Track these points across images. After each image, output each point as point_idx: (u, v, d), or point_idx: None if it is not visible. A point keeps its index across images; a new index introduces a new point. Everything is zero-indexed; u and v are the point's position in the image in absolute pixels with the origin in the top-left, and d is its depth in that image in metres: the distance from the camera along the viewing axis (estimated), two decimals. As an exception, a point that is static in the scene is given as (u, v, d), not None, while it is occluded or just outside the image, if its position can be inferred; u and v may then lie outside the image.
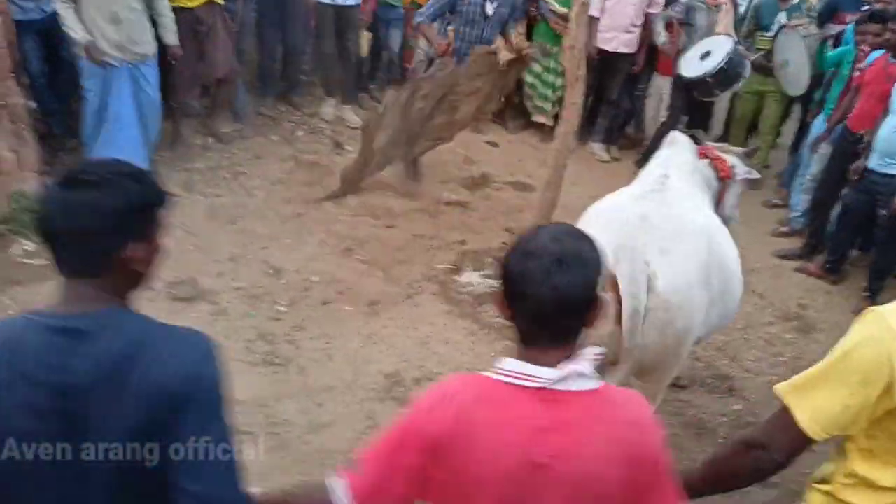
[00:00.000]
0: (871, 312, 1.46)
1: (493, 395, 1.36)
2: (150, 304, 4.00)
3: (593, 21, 5.79)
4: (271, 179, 5.31)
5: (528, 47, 5.55)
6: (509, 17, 5.32)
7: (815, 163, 5.39)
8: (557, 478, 1.33)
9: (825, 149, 5.27)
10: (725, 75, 5.51)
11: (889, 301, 1.51)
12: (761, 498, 3.02)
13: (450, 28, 5.28)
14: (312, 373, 3.67)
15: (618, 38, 6.10)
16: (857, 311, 4.68)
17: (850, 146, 4.87)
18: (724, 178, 3.42)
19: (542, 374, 1.34)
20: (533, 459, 1.32)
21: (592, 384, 1.37)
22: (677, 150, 3.34)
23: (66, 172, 1.36)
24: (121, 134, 4.74)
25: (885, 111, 4.60)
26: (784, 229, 5.66)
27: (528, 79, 6.62)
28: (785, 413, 1.49)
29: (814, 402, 1.45)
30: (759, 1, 6.05)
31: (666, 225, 2.69)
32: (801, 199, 5.60)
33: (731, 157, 3.52)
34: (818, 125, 5.48)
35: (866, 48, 4.98)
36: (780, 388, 1.53)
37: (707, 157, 3.42)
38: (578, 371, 1.34)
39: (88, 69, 4.62)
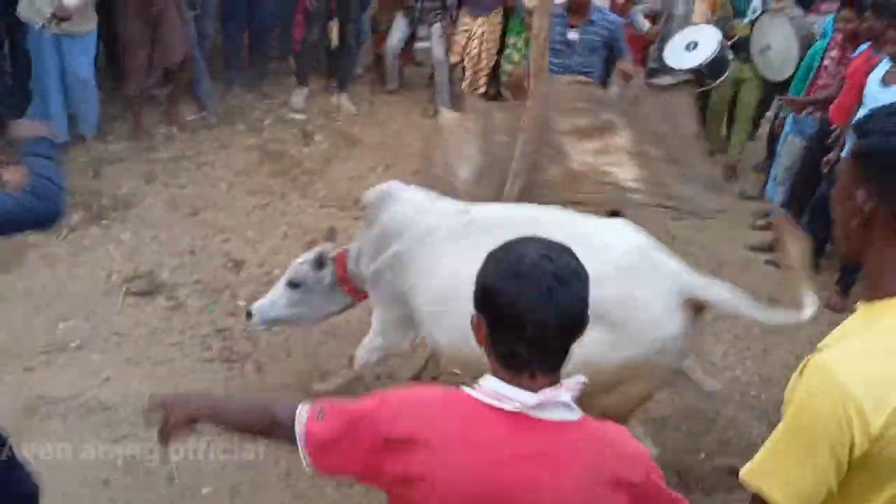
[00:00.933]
0: (811, 364, 1.30)
1: (467, 412, 1.29)
2: (106, 297, 3.93)
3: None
4: (236, 170, 5.20)
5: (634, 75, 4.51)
6: (604, 46, 4.50)
7: (785, 155, 5.34)
8: None
9: (795, 140, 5.21)
10: (717, 64, 5.47)
11: (859, 295, 1.40)
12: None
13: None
14: (269, 369, 3.59)
15: None
16: (829, 306, 4.66)
17: (826, 136, 4.83)
18: None
19: (520, 398, 1.26)
20: (501, 488, 1.25)
21: (573, 415, 1.29)
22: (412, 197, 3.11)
23: None
24: (44, 104, 4.76)
25: (860, 103, 4.55)
26: (761, 223, 5.60)
27: (506, 67, 6.53)
28: (759, 501, 1.32)
29: (786, 480, 1.28)
30: None
31: None
32: (776, 192, 5.55)
33: None
34: (791, 118, 5.42)
35: (839, 36, 4.92)
36: (745, 474, 1.35)
37: None
38: (559, 400, 1.27)
39: (31, 37, 4.64)
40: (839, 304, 4.49)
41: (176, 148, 5.27)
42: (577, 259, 1.30)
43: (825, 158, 4.69)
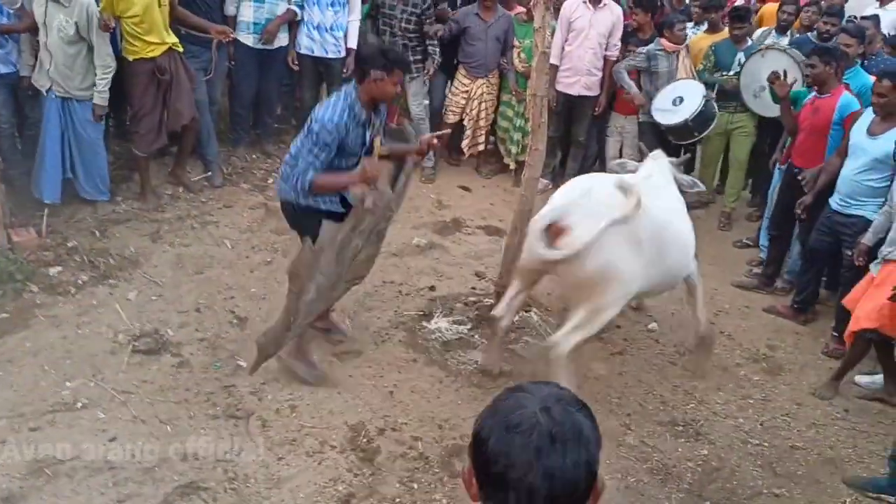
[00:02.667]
0: None
1: None
2: (112, 356, 3.97)
3: (553, 68, 5.90)
4: (240, 228, 5.29)
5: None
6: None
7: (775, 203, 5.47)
8: None
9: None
10: (703, 117, 5.65)
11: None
12: None
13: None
14: (274, 425, 3.61)
15: (580, 82, 6.23)
16: (827, 352, 4.70)
17: (794, 179, 5.00)
18: None
19: None
20: None
21: None
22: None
23: None
24: (41, 164, 4.89)
25: (832, 148, 4.74)
26: (758, 271, 5.68)
27: (502, 123, 6.73)
28: None
29: None
30: (713, 44, 6.13)
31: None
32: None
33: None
34: (777, 170, 5.55)
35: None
36: None
37: None
38: None
39: (44, 99, 4.82)
40: (836, 351, 4.54)
41: (181, 207, 5.37)
42: (587, 418, 1.12)
43: (798, 202, 4.80)
